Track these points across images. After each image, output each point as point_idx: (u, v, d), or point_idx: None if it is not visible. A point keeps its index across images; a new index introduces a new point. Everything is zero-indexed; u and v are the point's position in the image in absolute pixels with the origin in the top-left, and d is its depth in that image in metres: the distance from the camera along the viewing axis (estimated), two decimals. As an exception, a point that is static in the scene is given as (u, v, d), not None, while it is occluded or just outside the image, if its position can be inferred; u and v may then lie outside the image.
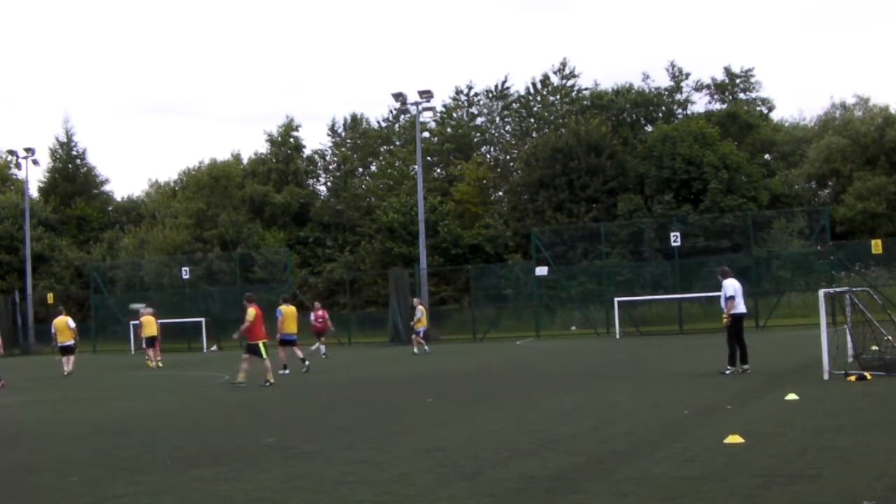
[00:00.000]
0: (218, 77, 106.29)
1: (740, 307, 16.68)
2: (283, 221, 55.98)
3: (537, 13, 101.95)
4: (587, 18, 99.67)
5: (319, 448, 9.83)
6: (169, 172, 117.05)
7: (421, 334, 30.28)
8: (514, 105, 57.77)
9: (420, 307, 30.72)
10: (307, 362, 22.19)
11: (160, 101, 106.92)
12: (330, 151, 61.01)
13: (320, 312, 30.67)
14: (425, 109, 44.30)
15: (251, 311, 18.69)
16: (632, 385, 15.67)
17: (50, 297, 50.67)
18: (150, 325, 30.20)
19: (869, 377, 14.08)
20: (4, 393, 20.25)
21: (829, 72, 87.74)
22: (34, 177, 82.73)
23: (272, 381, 18.50)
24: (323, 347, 30.26)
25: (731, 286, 16.60)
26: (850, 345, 16.03)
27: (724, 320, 16.66)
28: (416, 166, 47.09)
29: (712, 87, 56.60)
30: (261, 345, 18.50)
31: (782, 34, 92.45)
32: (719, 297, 17.13)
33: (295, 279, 48.29)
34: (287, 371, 21.78)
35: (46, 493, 8.03)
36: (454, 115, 58.80)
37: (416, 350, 29.56)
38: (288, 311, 22.46)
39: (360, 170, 60.24)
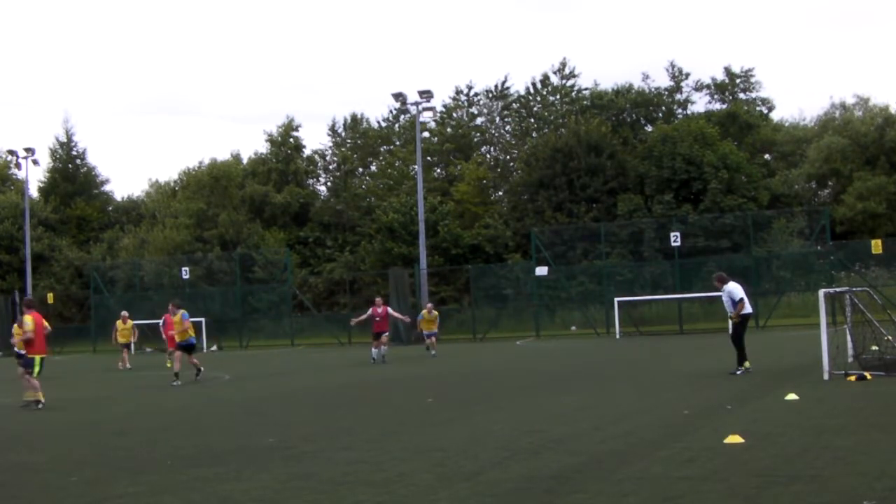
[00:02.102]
0: (218, 77, 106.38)
1: (747, 307, 16.65)
2: (283, 221, 56.00)
3: (537, 13, 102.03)
4: (587, 18, 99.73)
5: (319, 448, 9.83)
6: (169, 172, 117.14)
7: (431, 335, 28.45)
8: (514, 105, 57.79)
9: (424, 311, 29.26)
10: (202, 370, 21.21)
11: (160, 101, 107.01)
12: (330, 151, 61.06)
13: (380, 309, 26.36)
14: (425, 109, 44.31)
15: (29, 320, 15.64)
16: (632, 385, 15.67)
17: (50, 297, 50.69)
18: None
19: (869, 377, 14.08)
20: (4, 393, 20.22)
21: (829, 72, 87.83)
22: (34, 177, 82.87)
23: (42, 401, 15.63)
24: (384, 349, 26.18)
25: (738, 289, 16.51)
26: (850, 345, 16.03)
27: (733, 317, 16.68)
28: (416, 166, 47.10)
29: (712, 87, 56.61)
30: (38, 360, 15.68)
31: (782, 34, 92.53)
32: (720, 296, 17.14)
33: (295, 279, 48.30)
34: (199, 375, 20.87)
35: (46, 493, 8.02)
36: (454, 115, 58.82)
37: (432, 352, 27.94)
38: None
39: (360, 170, 60.27)
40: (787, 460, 7.86)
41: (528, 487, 7.29)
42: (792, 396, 12.24)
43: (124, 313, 30.63)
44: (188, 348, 20.98)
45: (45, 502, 7.73)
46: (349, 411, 13.70)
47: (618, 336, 36.26)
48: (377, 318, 26.05)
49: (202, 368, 21.26)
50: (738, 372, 16.01)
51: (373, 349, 26.05)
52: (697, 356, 22.51)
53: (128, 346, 30.06)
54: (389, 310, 27.30)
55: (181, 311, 21.01)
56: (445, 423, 11.60)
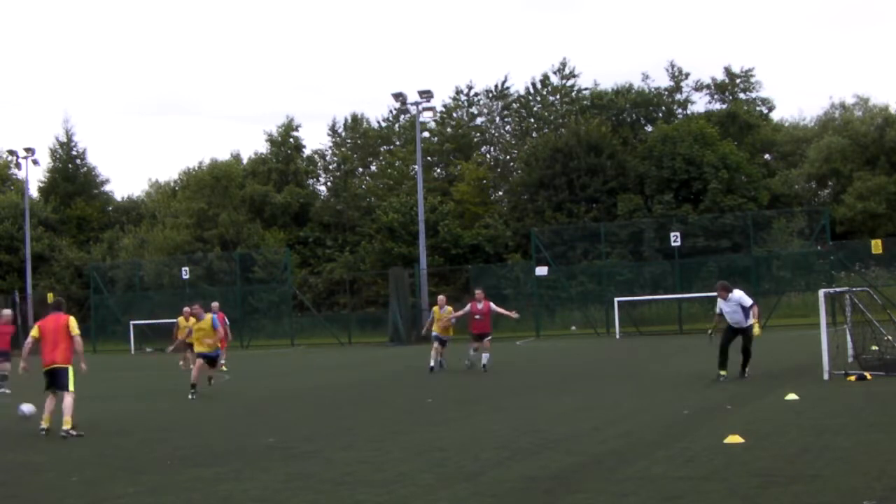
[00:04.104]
0: (218, 77, 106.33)
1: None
2: (283, 221, 55.99)
3: (537, 13, 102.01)
4: (587, 18, 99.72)
5: (319, 448, 9.83)
6: (169, 172, 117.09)
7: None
8: (514, 105, 57.77)
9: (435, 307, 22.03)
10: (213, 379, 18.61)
11: (160, 101, 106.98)
12: (330, 151, 61.05)
13: (480, 305, 20.62)
14: (425, 109, 44.31)
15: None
16: (632, 385, 15.68)
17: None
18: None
19: (869, 377, 14.10)
20: (5, 393, 20.23)
21: (829, 72, 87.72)
22: (34, 177, 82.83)
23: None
24: (487, 356, 20.26)
25: (745, 295, 15.70)
26: (850, 345, 16.03)
27: (757, 330, 15.49)
28: (416, 166, 47.10)
29: (712, 87, 56.60)
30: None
31: (782, 34, 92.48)
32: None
33: (295, 279, 48.31)
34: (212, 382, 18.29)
35: (46, 493, 8.03)
36: (454, 115, 58.81)
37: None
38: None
39: (360, 170, 60.25)
40: (787, 460, 7.86)
41: (528, 487, 7.29)
42: (792, 396, 12.25)
43: (186, 309, 25.39)
44: (213, 360, 17.91)
45: (45, 502, 7.74)
46: (349, 411, 13.70)
47: (618, 336, 36.25)
48: (477, 316, 20.53)
49: (213, 378, 18.54)
50: (745, 376, 15.34)
51: (470, 350, 20.80)
52: (697, 356, 22.49)
53: (191, 346, 26.38)
54: (493, 305, 21.22)
55: (210, 315, 18.02)
56: (445, 423, 11.61)
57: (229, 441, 10.74)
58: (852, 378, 14.08)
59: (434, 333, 21.13)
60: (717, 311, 15.99)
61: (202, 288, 47.90)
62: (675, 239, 39.03)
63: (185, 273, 46.74)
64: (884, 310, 17.59)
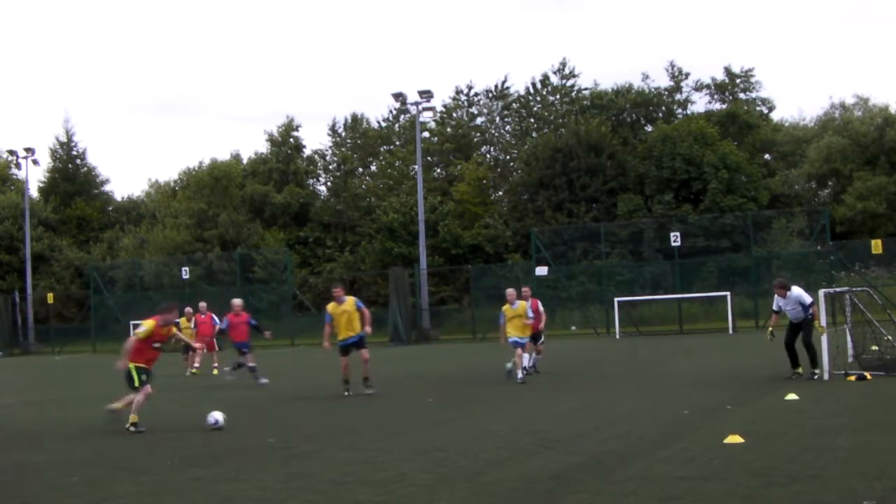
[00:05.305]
0: (219, 77, 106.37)
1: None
2: (283, 221, 56.00)
3: (537, 13, 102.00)
4: (587, 18, 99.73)
5: (319, 448, 9.83)
6: (169, 172, 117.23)
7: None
8: (514, 105, 57.80)
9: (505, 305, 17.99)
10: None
11: (161, 100, 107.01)
12: (330, 151, 61.08)
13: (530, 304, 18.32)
14: (425, 109, 44.32)
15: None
16: (632, 385, 15.68)
17: (50, 297, 50.66)
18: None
19: (869, 377, 14.10)
20: (4, 392, 20.22)
21: (829, 72, 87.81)
22: (34, 177, 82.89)
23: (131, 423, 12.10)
24: (536, 357, 19.17)
25: (804, 292, 15.29)
26: (850, 345, 16.03)
27: (820, 329, 14.80)
28: (416, 166, 47.10)
29: (712, 87, 56.61)
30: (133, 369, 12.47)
31: (782, 34, 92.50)
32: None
33: (295, 279, 48.28)
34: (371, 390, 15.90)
35: (46, 493, 8.02)
36: (454, 115, 58.82)
37: (518, 374, 17.37)
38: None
39: (360, 170, 60.27)
40: (787, 460, 7.86)
41: (528, 487, 7.29)
42: (792, 396, 12.25)
43: (188, 310, 25.05)
44: (358, 344, 15.90)
45: (46, 502, 7.73)
46: (349, 411, 13.70)
47: (618, 336, 36.24)
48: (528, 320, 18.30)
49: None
50: (815, 376, 14.80)
51: (530, 354, 18.89)
52: (697, 356, 22.51)
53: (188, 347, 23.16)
54: (540, 305, 19.59)
55: (351, 298, 15.94)
56: (445, 423, 11.61)
57: (229, 441, 10.73)
58: (852, 378, 14.08)
59: (511, 339, 17.51)
60: (775, 308, 15.74)
61: (202, 288, 47.91)
62: (675, 239, 39.03)
63: (185, 273, 46.73)
64: (884, 310, 17.59)
